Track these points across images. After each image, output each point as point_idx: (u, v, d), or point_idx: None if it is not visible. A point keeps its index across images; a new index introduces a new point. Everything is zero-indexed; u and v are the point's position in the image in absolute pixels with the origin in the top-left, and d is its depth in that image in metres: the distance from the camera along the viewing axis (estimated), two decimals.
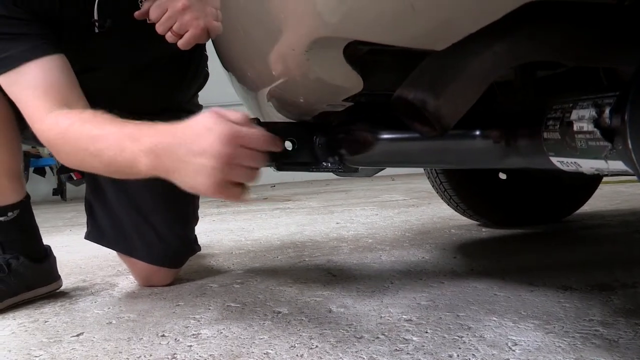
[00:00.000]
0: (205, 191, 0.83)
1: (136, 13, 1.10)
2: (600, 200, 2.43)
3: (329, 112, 1.05)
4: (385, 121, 0.95)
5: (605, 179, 2.32)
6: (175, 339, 0.99)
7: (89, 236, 1.44)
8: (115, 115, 0.99)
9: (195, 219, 1.47)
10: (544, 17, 0.59)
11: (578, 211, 2.10)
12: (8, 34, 1.08)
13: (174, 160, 0.84)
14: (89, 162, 0.99)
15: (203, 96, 1.55)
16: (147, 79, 1.33)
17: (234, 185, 0.82)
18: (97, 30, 1.18)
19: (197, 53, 1.36)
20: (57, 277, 1.40)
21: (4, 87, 1.10)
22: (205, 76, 1.47)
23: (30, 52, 1.07)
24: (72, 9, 1.17)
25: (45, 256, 1.38)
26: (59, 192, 5.40)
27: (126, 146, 0.90)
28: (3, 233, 1.32)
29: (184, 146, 0.82)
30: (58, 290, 1.39)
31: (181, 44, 1.07)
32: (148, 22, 1.09)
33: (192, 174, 0.82)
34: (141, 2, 1.16)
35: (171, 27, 1.06)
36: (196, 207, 1.48)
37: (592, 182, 2.05)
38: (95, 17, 1.17)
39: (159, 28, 1.06)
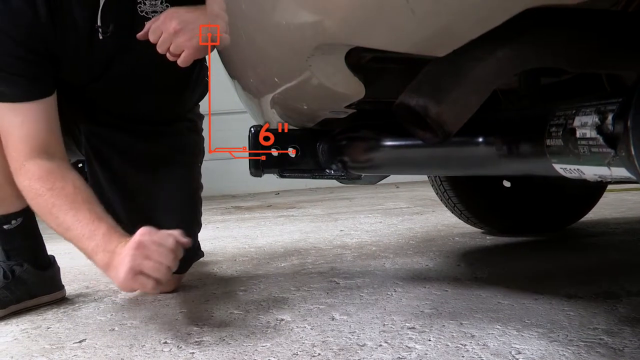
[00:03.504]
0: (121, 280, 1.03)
1: (138, 35, 1.16)
2: (605, 208, 2.42)
3: (332, 119, 1.06)
4: (388, 128, 0.95)
5: (610, 187, 2.31)
6: (178, 346, 0.99)
7: None
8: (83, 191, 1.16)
9: (198, 225, 1.47)
10: (546, 23, 0.59)
11: (583, 219, 2.09)
12: (7, 72, 1.16)
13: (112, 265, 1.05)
14: (48, 225, 1.16)
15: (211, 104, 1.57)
16: (151, 88, 1.34)
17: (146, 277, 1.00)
18: (101, 37, 1.20)
19: (198, 63, 1.37)
20: (60, 287, 1.40)
21: None
22: (206, 86, 1.48)
23: (24, 95, 1.17)
24: (78, 15, 1.18)
25: (49, 264, 1.38)
26: None
27: (86, 247, 1.09)
28: (7, 241, 1.32)
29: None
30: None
31: (180, 62, 1.14)
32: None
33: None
34: (141, 9, 1.19)
35: (169, 48, 1.12)
36: (199, 213, 1.48)
37: (596, 189, 2.04)
38: (99, 22, 1.18)
39: (159, 49, 1.13)
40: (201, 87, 1.46)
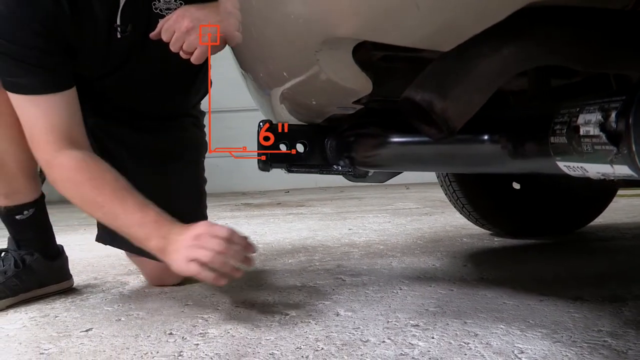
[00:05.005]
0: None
1: (151, 34, 1.18)
2: (616, 213, 2.40)
3: (340, 116, 1.06)
4: (394, 125, 0.95)
5: (621, 192, 2.29)
6: (183, 337, 1.00)
7: (99, 239, 1.44)
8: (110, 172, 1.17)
9: (204, 218, 1.48)
10: (550, 20, 0.59)
11: (592, 223, 2.07)
12: (26, 63, 1.15)
13: (168, 250, 1.07)
14: (90, 214, 1.17)
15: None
16: (161, 85, 1.35)
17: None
18: (119, 36, 1.21)
19: (205, 61, 1.39)
20: (68, 276, 1.42)
21: (14, 105, 1.18)
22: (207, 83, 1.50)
23: (43, 87, 1.16)
24: (98, 12, 1.19)
25: (58, 254, 1.40)
26: None
27: (138, 234, 1.11)
28: (18, 231, 1.34)
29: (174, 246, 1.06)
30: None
31: (193, 60, 1.15)
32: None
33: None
34: (155, 6, 1.20)
35: (181, 46, 1.14)
36: (205, 207, 1.49)
37: (606, 193, 2.02)
38: (118, 22, 1.19)
39: (172, 47, 1.15)
40: (205, 83, 1.48)
